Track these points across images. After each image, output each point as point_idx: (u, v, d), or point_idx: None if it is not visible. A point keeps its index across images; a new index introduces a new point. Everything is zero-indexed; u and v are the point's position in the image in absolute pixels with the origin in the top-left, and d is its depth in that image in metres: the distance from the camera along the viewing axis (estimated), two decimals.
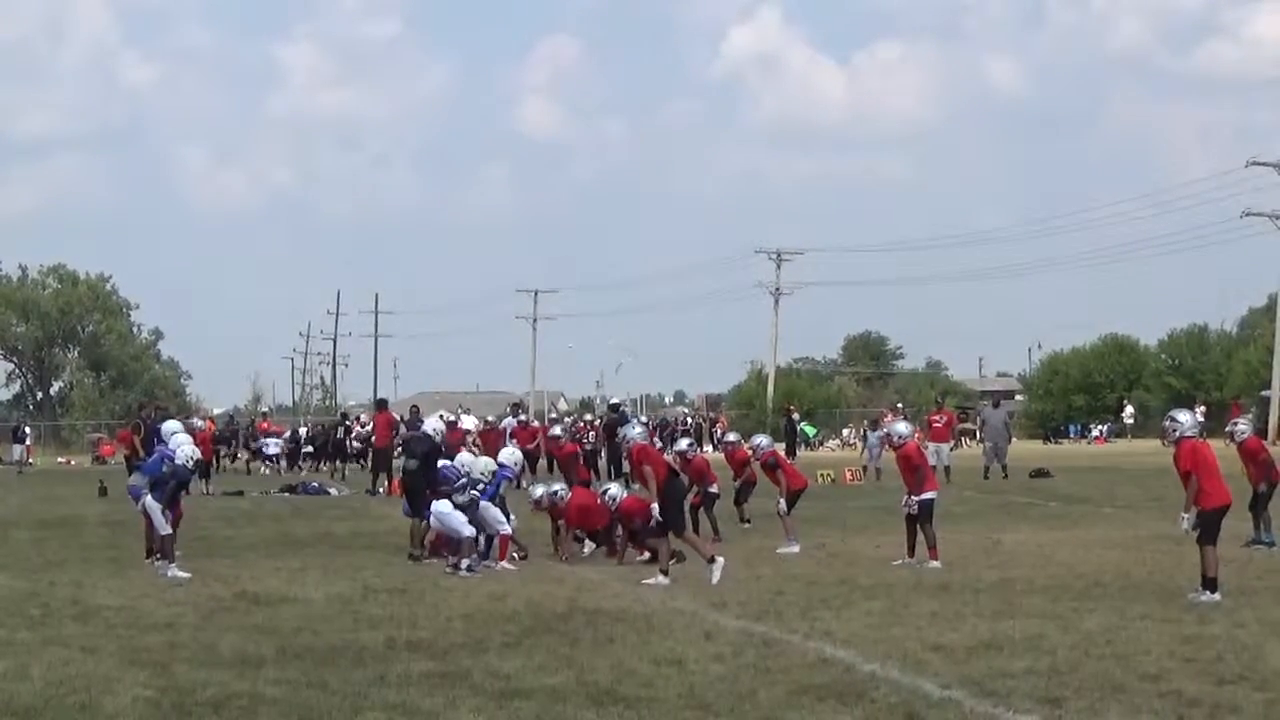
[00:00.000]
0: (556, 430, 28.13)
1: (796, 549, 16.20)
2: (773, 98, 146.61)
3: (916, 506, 14.90)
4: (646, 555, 15.09)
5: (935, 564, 14.54)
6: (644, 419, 39.22)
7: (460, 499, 14.95)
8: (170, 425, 17.28)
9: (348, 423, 40.75)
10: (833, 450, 49.16)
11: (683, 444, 19.24)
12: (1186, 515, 11.97)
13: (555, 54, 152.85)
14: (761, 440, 18.36)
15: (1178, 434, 12.16)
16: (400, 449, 28.86)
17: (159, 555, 15.05)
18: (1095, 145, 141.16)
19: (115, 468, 32.41)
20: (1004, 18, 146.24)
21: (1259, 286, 79.77)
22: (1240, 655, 9.28)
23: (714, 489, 18.13)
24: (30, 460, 44.06)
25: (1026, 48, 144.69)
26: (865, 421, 39.64)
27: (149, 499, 14.98)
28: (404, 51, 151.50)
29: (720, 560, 13.69)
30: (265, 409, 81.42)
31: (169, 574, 14.35)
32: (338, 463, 38.20)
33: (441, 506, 15.00)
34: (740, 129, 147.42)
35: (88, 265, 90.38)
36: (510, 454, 17.34)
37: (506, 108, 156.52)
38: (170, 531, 14.88)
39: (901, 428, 16.16)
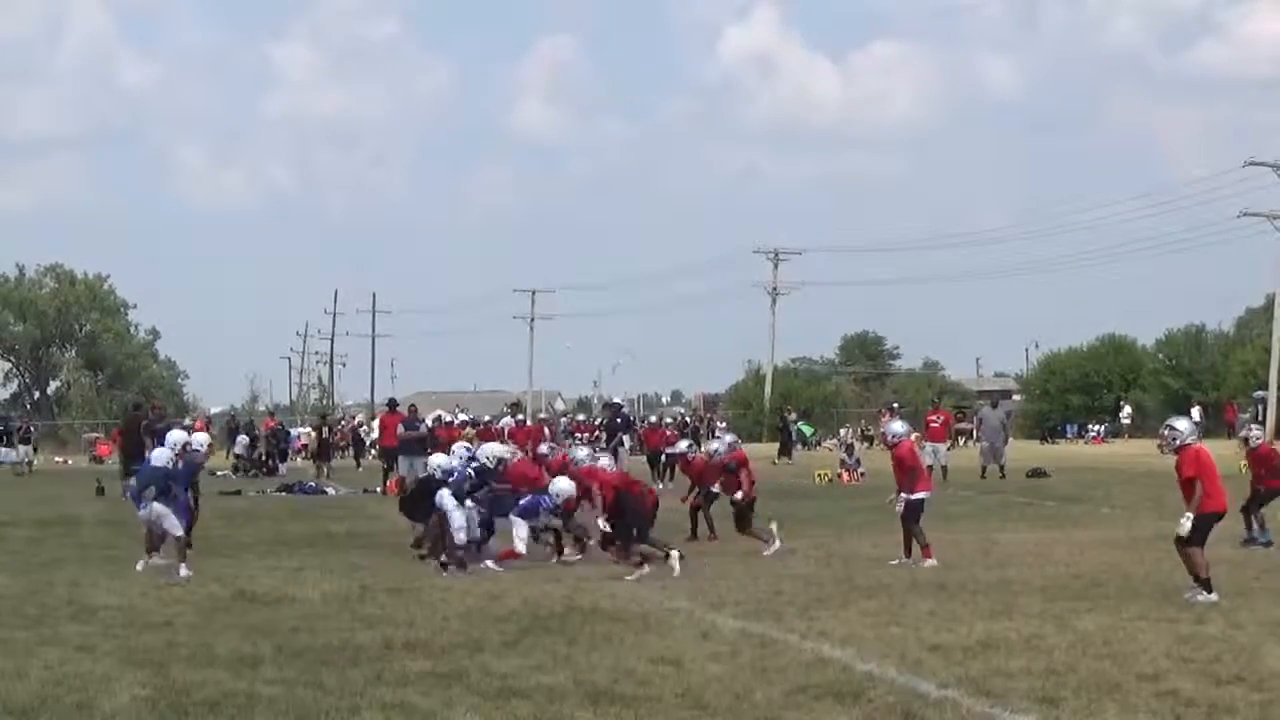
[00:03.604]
0: (544, 449, 26.94)
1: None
2: (770, 98, 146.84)
3: (904, 504, 14.92)
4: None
5: (931, 562, 14.54)
6: (652, 419, 39.33)
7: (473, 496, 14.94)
8: (174, 436, 17.30)
9: (328, 422, 41.32)
10: (830, 450, 49.13)
11: (681, 445, 19.27)
12: (1189, 517, 11.98)
13: (553, 54, 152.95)
14: (718, 445, 18.23)
15: (1178, 442, 12.24)
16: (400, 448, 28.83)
17: (154, 552, 15.18)
18: (1092, 145, 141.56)
19: (112, 467, 32.40)
20: (1001, 18, 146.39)
21: (1256, 287, 79.86)
22: (1237, 656, 9.29)
23: (715, 489, 18.14)
24: (31, 461, 43.90)
25: (1023, 48, 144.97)
26: (845, 439, 40.01)
27: (156, 505, 14.95)
28: (402, 51, 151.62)
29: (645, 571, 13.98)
30: (264, 408, 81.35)
31: (181, 573, 14.29)
32: (326, 461, 38.55)
33: (447, 502, 14.88)
34: (737, 129, 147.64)
35: (85, 265, 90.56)
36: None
37: (504, 107, 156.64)
38: (181, 534, 14.86)
39: (897, 427, 16.09)
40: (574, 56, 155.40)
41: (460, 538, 14.70)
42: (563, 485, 15.37)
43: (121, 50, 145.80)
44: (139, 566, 14.76)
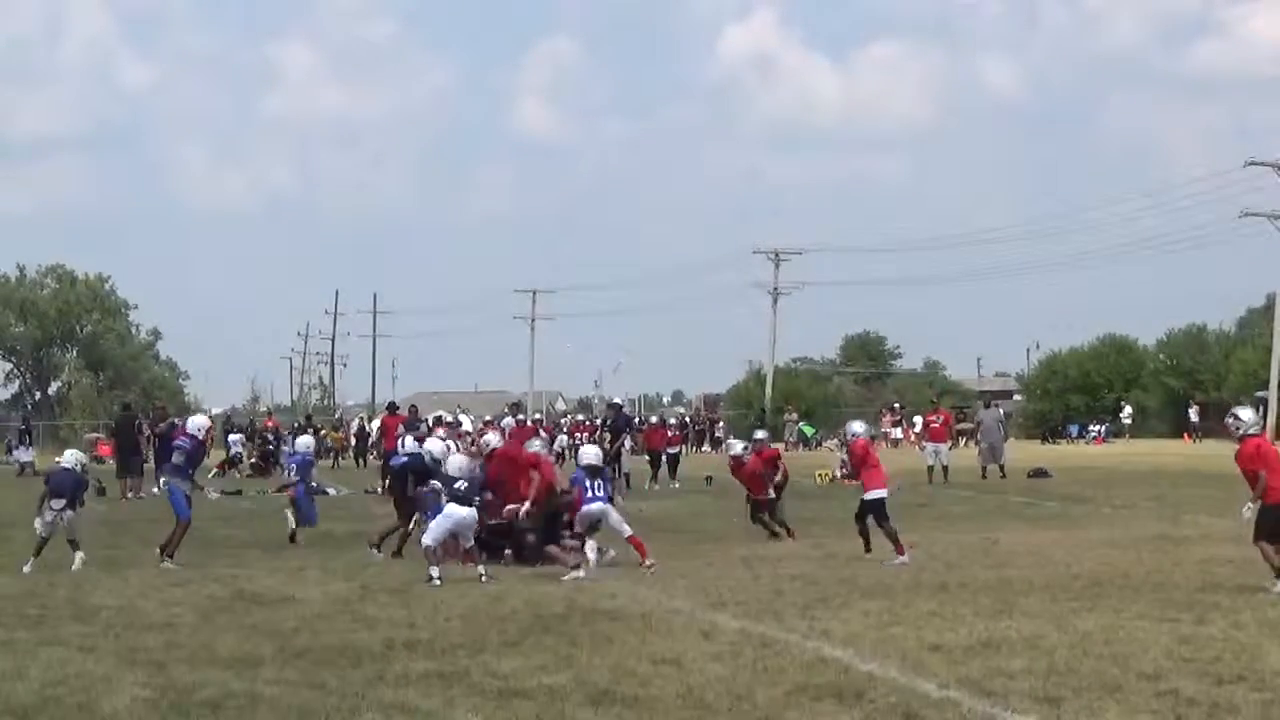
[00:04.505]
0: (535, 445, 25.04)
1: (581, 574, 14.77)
2: (770, 99, 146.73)
3: (869, 498, 15.44)
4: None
5: (903, 560, 14.86)
6: (654, 419, 39.38)
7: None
8: (197, 420, 17.46)
9: (313, 423, 41.53)
10: (831, 450, 49.10)
11: (737, 448, 19.18)
12: (1251, 505, 12.24)
13: (553, 55, 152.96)
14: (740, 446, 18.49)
15: (1241, 431, 12.44)
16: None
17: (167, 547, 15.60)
18: (1093, 145, 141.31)
19: (112, 468, 32.37)
20: (1001, 18, 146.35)
21: (1257, 286, 79.88)
22: (1239, 655, 9.28)
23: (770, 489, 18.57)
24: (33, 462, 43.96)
25: (1024, 48, 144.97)
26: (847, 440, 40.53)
27: (68, 513, 15.39)
28: (402, 52, 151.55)
29: (579, 573, 14.15)
30: (267, 408, 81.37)
31: (169, 564, 15.16)
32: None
33: (462, 510, 14.54)
34: (738, 129, 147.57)
35: (86, 265, 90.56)
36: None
37: (505, 108, 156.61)
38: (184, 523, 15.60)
39: (856, 426, 16.69)
40: (574, 57, 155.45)
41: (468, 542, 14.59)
42: (592, 451, 16.01)
43: (122, 51, 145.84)
44: (26, 569, 15.04)
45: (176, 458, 16.09)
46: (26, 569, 15.01)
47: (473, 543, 14.45)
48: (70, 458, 15.95)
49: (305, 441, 19.30)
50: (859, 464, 15.92)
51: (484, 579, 13.80)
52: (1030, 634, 10.18)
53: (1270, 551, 12.14)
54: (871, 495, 15.42)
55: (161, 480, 18.14)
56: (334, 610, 12.01)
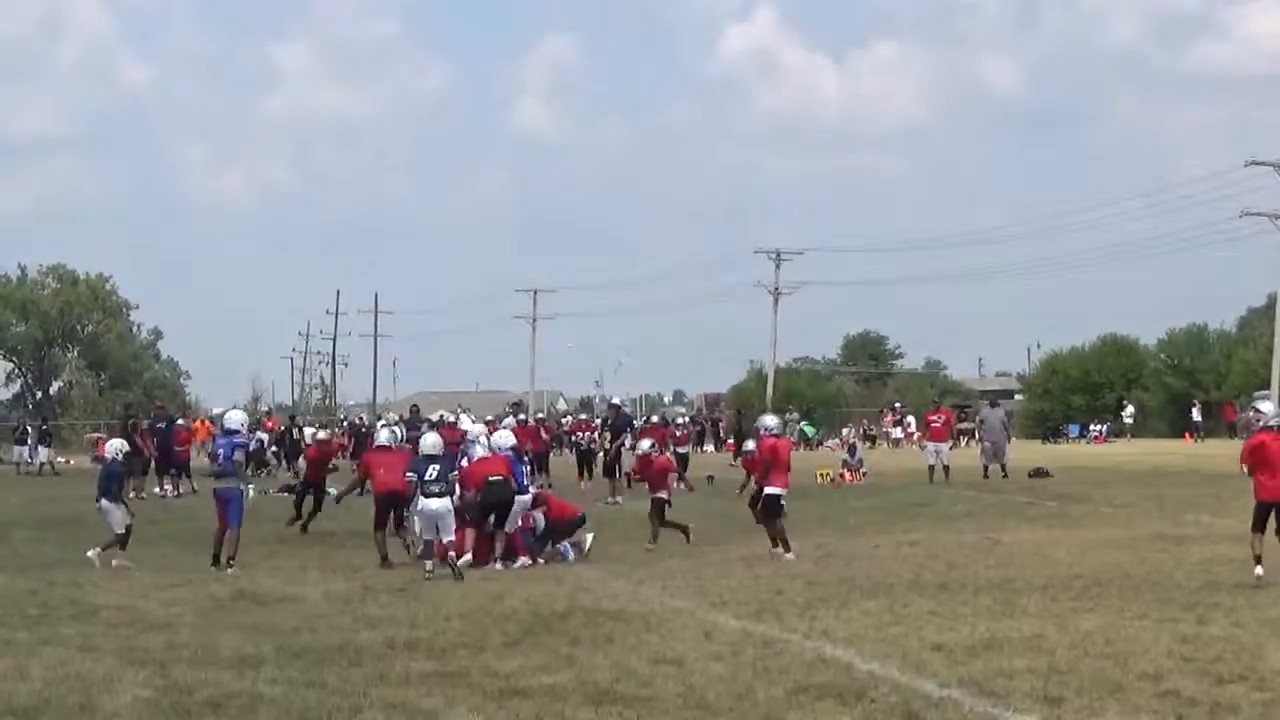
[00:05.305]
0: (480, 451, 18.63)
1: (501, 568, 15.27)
2: (770, 97, 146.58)
3: (761, 497, 15.72)
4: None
5: (790, 555, 15.26)
6: (654, 418, 39.39)
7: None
8: (235, 415, 17.28)
9: (298, 423, 41.74)
10: (832, 450, 49.16)
11: (644, 446, 19.95)
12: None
13: (553, 54, 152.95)
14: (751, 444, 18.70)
15: (1261, 424, 12.72)
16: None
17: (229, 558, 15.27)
18: (1093, 145, 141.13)
19: None
20: (1000, 17, 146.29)
21: (1258, 286, 79.93)
22: (1239, 655, 9.28)
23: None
24: (36, 462, 44.00)
25: (1023, 47, 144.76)
26: (848, 439, 40.83)
27: (103, 502, 15.79)
28: (402, 51, 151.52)
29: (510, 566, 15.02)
30: (268, 408, 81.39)
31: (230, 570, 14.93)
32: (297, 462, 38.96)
33: (433, 504, 14.65)
34: (738, 128, 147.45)
35: (87, 265, 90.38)
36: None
37: (505, 107, 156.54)
38: (120, 533, 15.77)
39: (768, 421, 16.84)
40: (574, 56, 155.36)
41: (450, 536, 14.62)
42: (505, 438, 16.55)
43: (122, 50, 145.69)
44: (91, 556, 15.53)
45: (238, 455, 15.93)
46: (115, 562, 15.48)
47: (451, 536, 14.47)
48: (111, 448, 16.22)
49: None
50: (761, 462, 16.09)
51: (428, 575, 14.01)
52: (1031, 634, 10.18)
53: (1256, 540, 12.44)
54: (770, 491, 15.64)
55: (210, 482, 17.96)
56: (335, 610, 12.01)
